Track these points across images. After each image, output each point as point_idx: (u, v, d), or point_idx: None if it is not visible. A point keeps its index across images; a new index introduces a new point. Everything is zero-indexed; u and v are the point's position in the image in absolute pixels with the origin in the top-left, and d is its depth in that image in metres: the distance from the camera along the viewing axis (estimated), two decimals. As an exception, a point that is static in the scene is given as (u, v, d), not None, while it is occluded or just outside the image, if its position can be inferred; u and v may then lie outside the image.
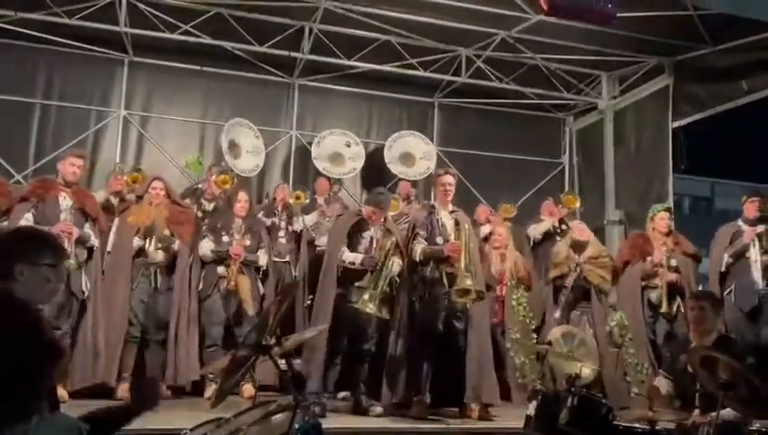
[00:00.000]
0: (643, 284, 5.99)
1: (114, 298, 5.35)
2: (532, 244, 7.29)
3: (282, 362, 2.31)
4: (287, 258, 6.38)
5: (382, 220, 5.23)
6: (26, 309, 1.64)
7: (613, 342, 5.71)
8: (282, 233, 6.48)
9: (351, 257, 5.06)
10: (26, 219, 4.90)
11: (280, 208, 6.65)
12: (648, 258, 5.98)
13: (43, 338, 1.59)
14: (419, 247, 4.98)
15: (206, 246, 5.67)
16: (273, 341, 2.31)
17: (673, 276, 5.87)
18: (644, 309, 5.94)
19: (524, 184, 8.90)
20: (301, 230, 6.60)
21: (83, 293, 5.12)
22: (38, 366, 1.56)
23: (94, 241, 5.24)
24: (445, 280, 4.92)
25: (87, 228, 5.19)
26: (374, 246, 5.13)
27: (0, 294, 1.86)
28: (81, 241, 5.09)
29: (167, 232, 5.56)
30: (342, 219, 5.43)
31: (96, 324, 5.17)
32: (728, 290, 5.62)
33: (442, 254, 4.93)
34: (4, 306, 1.62)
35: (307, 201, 6.80)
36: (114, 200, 6.16)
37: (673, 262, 5.93)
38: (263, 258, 5.81)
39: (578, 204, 7.74)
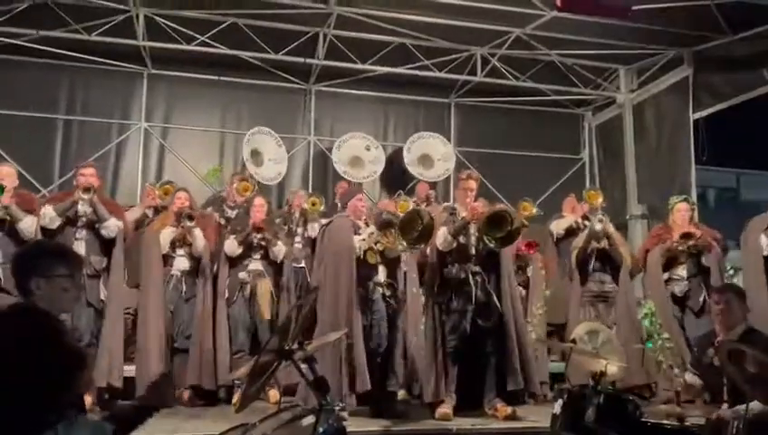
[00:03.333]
0: (666, 277, 5.90)
1: (148, 308, 5.42)
2: (555, 239, 7.23)
3: (304, 367, 2.33)
4: (302, 263, 6.34)
5: (364, 218, 5.28)
6: (48, 319, 1.69)
7: (641, 334, 5.64)
8: (298, 238, 6.46)
9: (358, 239, 5.07)
10: (47, 212, 5.11)
11: (297, 214, 6.65)
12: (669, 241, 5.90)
13: (65, 346, 1.64)
14: (442, 230, 4.94)
15: (232, 242, 5.67)
16: (295, 345, 2.33)
17: (695, 232, 5.77)
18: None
19: (545, 181, 8.84)
20: (316, 236, 6.59)
21: (102, 302, 5.21)
22: (62, 374, 1.61)
23: (116, 223, 5.29)
24: (470, 280, 4.92)
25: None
26: None
27: (22, 307, 1.93)
28: (98, 218, 5.21)
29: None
30: (338, 225, 5.34)
31: (105, 334, 5.17)
32: None
33: (465, 221, 4.93)
34: (25, 318, 1.67)
35: (322, 207, 6.80)
36: (151, 214, 6.26)
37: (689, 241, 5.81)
38: (281, 245, 5.81)
39: (601, 199, 7.66)
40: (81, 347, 1.93)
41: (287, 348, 2.20)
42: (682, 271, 5.86)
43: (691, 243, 5.77)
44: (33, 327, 1.72)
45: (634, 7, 5.40)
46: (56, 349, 1.68)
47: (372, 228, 5.15)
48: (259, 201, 5.89)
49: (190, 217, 5.55)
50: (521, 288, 6.30)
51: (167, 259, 5.60)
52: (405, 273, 5.44)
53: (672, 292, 5.85)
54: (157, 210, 6.32)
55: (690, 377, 3.88)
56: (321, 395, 2.29)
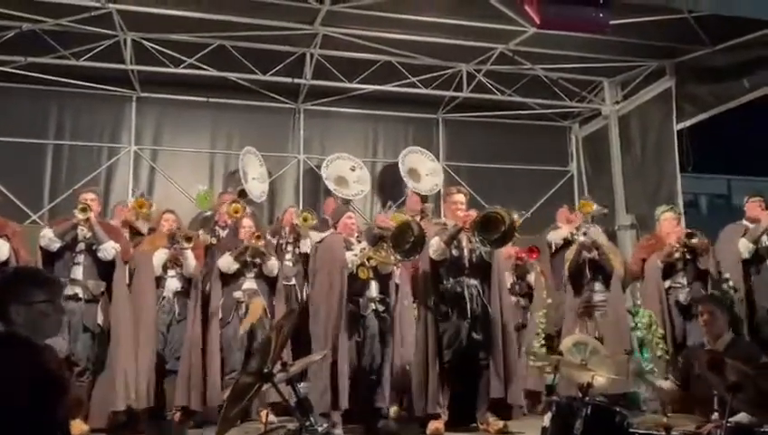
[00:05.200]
0: (667, 285, 5.89)
1: (139, 329, 5.41)
2: (553, 250, 7.17)
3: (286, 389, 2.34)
4: (293, 281, 6.28)
5: (356, 235, 5.35)
6: (28, 347, 1.71)
7: (629, 344, 5.66)
8: (288, 256, 6.39)
9: (350, 254, 5.13)
10: (46, 234, 5.25)
11: (287, 230, 6.64)
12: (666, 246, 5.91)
13: (46, 374, 1.66)
14: (435, 239, 4.98)
15: (228, 258, 5.65)
16: (277, 367, 2.34)
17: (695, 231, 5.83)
18: (671, 312, 5.80)
19: (534, 194, 8.91)
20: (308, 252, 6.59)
21: (99, 326, 5.22)
22: (44, 401, 1.62)
23: (113, 245, 5.33)
24: (465, 293, 4.93)
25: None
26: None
27: (2, 335, 1.94)
28: (96, 240, 5.26)
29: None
30: (330, 242, 5.42)
31: (117, 356, 5.20)
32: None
33: (458, 227, 4.96)
34: (6, 347, 1.69)
35: (314, 222, 6.81)
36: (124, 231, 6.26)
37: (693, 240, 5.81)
38: (275, 260, 5.80)
39: (594, 208, 7.69)
40: (62, 373, 1.93)
41: (266, 370, 2.21)
42: (682, 278, 5.86)
43: (695, 241, 5.76)
44: (14, 355, 1.74)
45: (612, 22, 5.46)
46: (35, 376, 1.69)
47: (364, 244, 5.20)
48: (247, 222, 5.91)
49: (188, 239, 5.57)
50: (521, 298, 6.33)
51: (158, 281, 5.60)
52: (397, 286, 5.47)
53: (677, 299, 5.81)
54: (131, 224, 6.29)
55: (667, 383, 3.91)
56: (303, 416, 2.31)
